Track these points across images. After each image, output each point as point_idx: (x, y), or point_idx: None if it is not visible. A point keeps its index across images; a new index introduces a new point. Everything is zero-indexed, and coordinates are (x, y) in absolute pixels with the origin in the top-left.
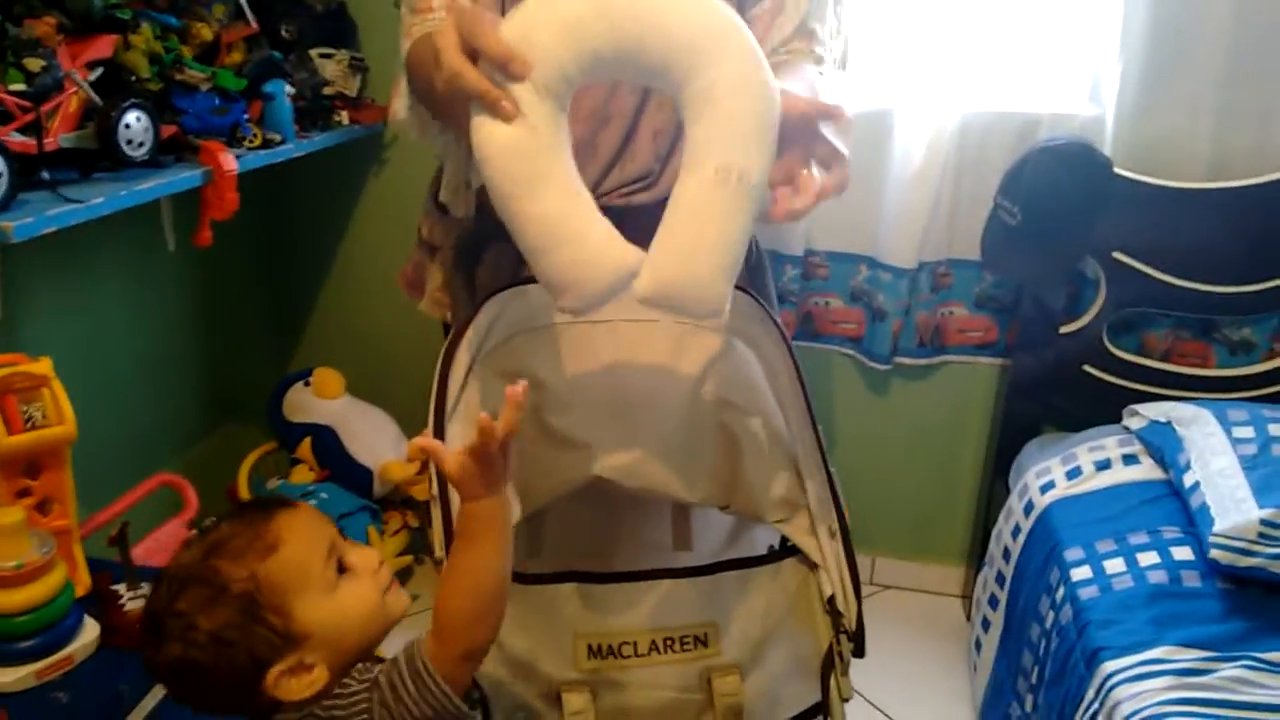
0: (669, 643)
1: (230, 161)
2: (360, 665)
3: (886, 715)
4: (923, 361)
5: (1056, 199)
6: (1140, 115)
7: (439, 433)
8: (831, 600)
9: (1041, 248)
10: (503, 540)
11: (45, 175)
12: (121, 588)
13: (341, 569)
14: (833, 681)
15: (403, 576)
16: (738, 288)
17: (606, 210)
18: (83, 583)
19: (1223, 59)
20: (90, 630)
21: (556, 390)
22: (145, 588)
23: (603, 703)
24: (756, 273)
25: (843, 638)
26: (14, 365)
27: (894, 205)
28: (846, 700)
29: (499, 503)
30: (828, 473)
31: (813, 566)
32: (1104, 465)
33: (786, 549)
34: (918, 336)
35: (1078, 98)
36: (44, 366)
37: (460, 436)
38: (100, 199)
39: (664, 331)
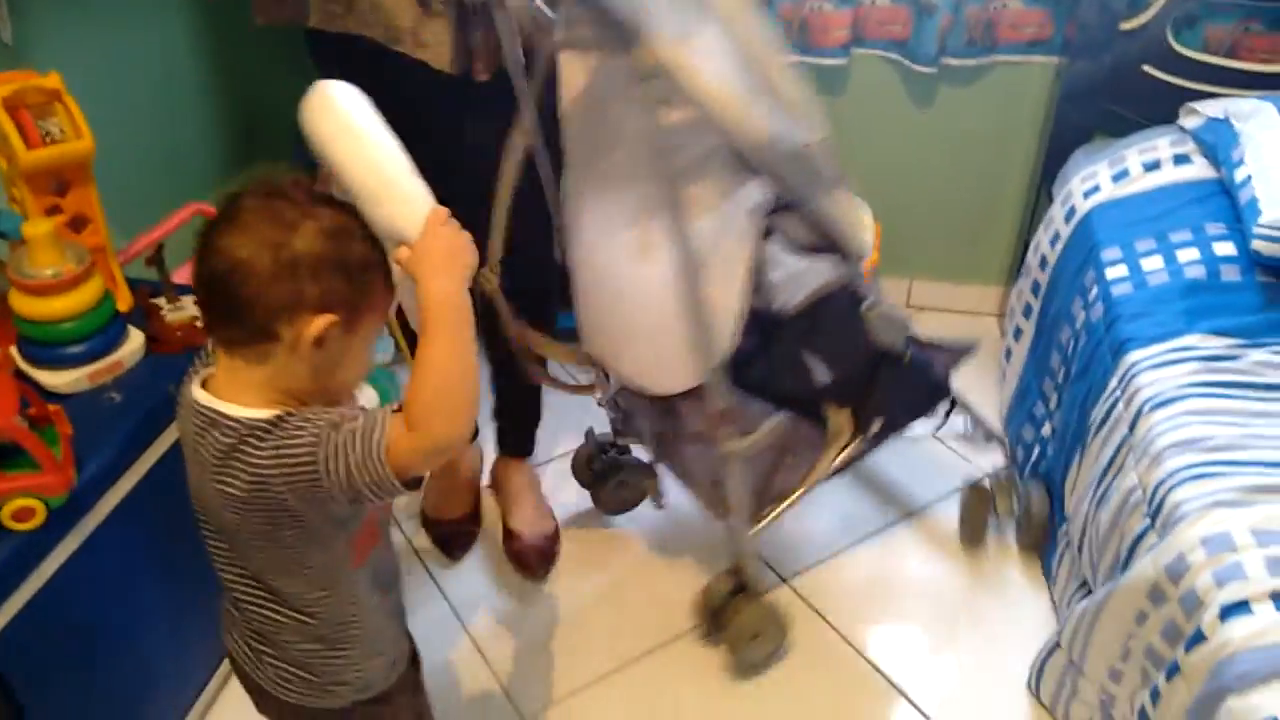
0: None
1: None
2: (319, 408)
3: None
4: (971, 62)
5: None
6: None
7: None
8: None
9: None
10: (465, 335)
11: None
12: (161, 300)
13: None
14: None
15: None
16: None
17: None
18: (123, 299)
19: None
20: (136, 338)
21: None
22: (183, 300)
23: None
24: None
25: None
26: (24, 81)
27: None
28: None
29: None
30: None
31: None
32: (1153, 166)
33: None
34: (967, 34)
35: None
36: (53, 81)
37: None
38: None
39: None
